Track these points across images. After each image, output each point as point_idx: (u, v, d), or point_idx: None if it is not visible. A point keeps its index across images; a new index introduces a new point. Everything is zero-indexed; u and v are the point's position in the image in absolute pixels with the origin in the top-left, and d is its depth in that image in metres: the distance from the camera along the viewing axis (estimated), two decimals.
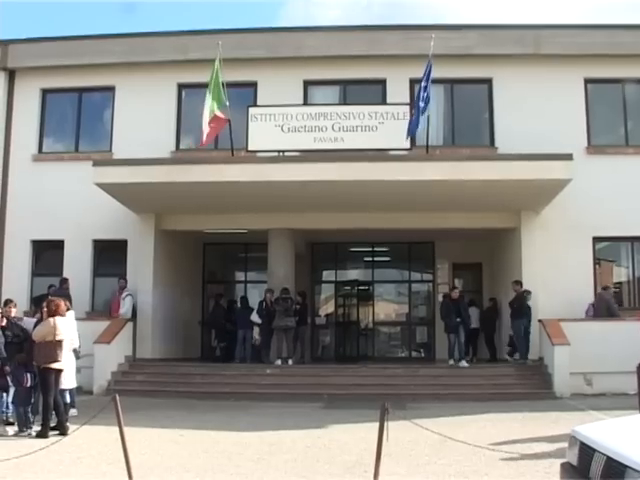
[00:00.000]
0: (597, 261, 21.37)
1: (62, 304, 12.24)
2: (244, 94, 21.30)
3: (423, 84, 18.06)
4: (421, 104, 17.95)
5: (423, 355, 24.58)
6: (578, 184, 18.09)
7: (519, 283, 19.20)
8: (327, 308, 25.84)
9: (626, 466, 5.44)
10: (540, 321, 18.73)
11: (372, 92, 21.67)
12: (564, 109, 20.96)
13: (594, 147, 20.96)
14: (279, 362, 19.39)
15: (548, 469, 7.11)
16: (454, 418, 13.63)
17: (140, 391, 17.00)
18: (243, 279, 25.64)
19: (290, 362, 19.43)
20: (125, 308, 19.82)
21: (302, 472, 9.15)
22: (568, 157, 17.20)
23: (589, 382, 17.71)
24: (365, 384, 17.59)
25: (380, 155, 18.33)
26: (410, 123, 18.32)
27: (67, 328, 12.18)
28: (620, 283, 22.09)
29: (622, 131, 21.64)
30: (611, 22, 21.55)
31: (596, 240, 20.86)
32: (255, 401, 16.33)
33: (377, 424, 7.70)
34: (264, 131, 18.85)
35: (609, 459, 5.72)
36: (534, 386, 17.60)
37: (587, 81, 21.38)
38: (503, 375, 18.57)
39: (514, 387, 17.55)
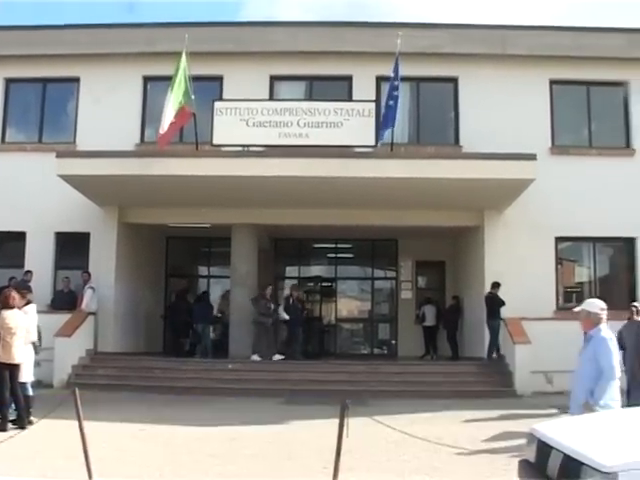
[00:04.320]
0: (559, 261, 21.59)
1: (13, 296, 11.91)
2: (210, 88, 21.16)
3: (395, 83, 18.17)
4: (392, 102, 18.11)
5: (385, 352, 24.68)
6: (542, 184, 18.27)
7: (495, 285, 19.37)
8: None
9: (582, 463, 5.53)
10: (502, 320, 18.88)
11: (338, 88, 21.68)
12: (529, 109, 21.14)
13: (558, 148, 21.19)
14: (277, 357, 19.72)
15: (506, 466, 7.22)
16: (415, 415, 13.67)
17: (101, 385, 16.90)
18: (206, 274, 25.58)
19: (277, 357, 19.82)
20: (86, 301, 19.68)
21: (262, 467, 9.19)
22: (532, 157, 17.34)
23: (550, 380, 17.85)
24: (327, 380, 17.60)
25: (345, 152, 18.33)
26: (384, 121, 18.44)
27: (22, 321, 11.91)
28: (582, 283, 22.35)
29: (586, 132, 21.88)
30: (577, 24, 21.59)
31: (558, 240, 21.12)
32: (217, 396, 16.26)
33: (338, 420, 7.74)
34: (229, 125, 18.73)
35: (566, 457, 5.81)
36: (495, 384, 17.75)
37: (552, 82, 21.60)
38: (464, 373, 18.73)
39: (475, 385, 17.73)
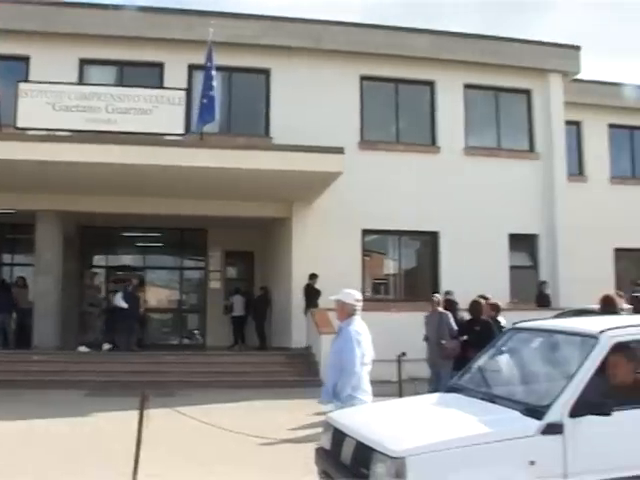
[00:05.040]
0: (367, 253, 22.21)
1: None
2: (16, 68, 20.38)
3: (212, 73, 18.15)
4: (212, 93, 18.10)
5: (194, 342, 24.60)
6: (350, 178, 18.72)
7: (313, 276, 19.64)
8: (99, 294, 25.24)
9: (373, 450, 5.78)
10: (310, 310, 19.21)
11: (150, 75, 21.26)
12: (340, 104, 21.55)
13: (367, 142, 21.76)
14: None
15: (309, 454, 7.39)
16: (221, 405, 13.80)
17: None
18: (10, 261, 24.61)
19: None
20: None
21: (61, 462, 9.01)
22: (340, 151, 17.69)
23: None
24: (134, 371, 17.30)
25: (153, 139, 18.11)
26: (203, 112, 18.38)
27: None
28: (389, 275, 23.09)
29: (394, 128, 22.59)
30: (390, 24, 22.24)
31: (365, 232, 21.67)
32: (20, 389, 15.69)
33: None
34: (35, 108, 18.12)
35: (359, 443, 6.05)
36: (302, 374, 18.02)
37: (363, 78, 22.14)
38: (272, 363, 18.95)
39: (283, 374, 17.96)
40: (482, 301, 14.10)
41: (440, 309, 14.65)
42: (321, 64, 21.61)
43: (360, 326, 7.58)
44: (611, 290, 14.51)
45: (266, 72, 21.76)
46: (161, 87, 20.22)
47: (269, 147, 19.48)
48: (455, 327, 14.13)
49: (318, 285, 19.27)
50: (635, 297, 13.04)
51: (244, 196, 19.56)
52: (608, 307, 11.31)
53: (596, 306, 12.09)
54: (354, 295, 7.73)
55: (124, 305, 20.31)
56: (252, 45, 21.05)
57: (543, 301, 21.40)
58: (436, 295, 15.53)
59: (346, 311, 7.64)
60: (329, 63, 21.63)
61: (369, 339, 7.62)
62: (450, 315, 14.43)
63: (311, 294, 19.41)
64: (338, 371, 7.40)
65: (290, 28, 21.52)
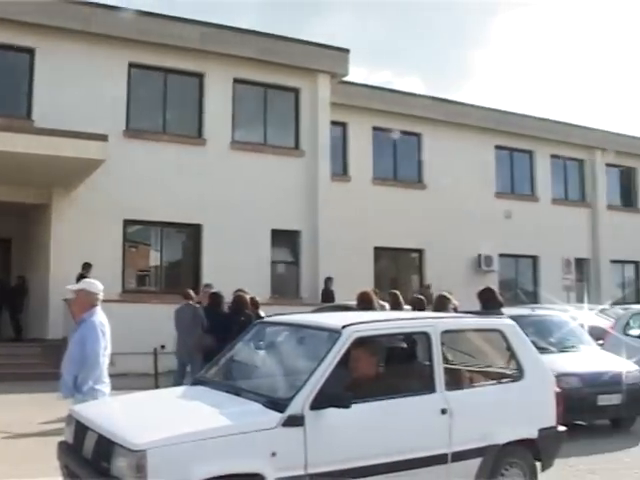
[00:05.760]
0: (132, 244, 21.93)
1: None
2: None
3: None
4: None
5: None
6: (114, 166, 18.58)
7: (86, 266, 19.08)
8: None
9: (114, 443, 5.78)
10: (66, 300, 18.71)
11: None
12: (107, 90, 20.86)
13: (132, 131, 21.34)
14: None
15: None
16: None
17: None
18: None
19: None
20: None
21: None
22: (103, 138, 17.42)
23: (113, 363, 17.94)
24: None
25: None
26: None
27: None
28: (152, 267, 22.89)
29: (161, 119, 22.37)
30: (164, 12, 21.85)
31: (128, 223, 21.26)
32: None
33: None
34: None
35: (100, 437, 6.03)
36: (59, 366, 17.48)
37: (131, 65, 21.65)
38: (28, 355, 18.44)
39: (38, 367, 17.28)
40: (245, 295, 14.36)
41: (192, 302, 14.84)
42: (90, 48, 20.80)
43: (103, 317, 7.51)
44: (369, 287, 15.10)
45: (30, 51, 20.61)
46: None
47: (27, 129, 18.56)
48: (206, 320, 14.32)
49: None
50: (417, 298, 13.77)
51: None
52: (365, 303, 11.80)
53: (354, 302, 12.63)
54: (98, 285, 7.63)
55: None
56: (15, 22, 19.83)
57: (328, 297, 22.02)
58: (209, 287, 15.73)
59: (89, 301, 7.53)
60: (97, 48, 20.87)
61: (109, 331, 7.53)
62: (201, 308, 14.64)
63: None
64: (78, 363, 7.29)
65: (58, 8, 20.55)
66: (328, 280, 22.77)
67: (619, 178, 35.77)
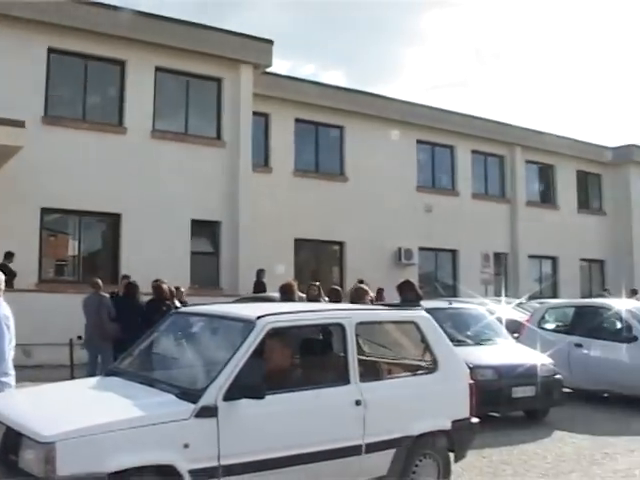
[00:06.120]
0: (51, 233, 21.59)
1: None
2: None
3: None
4: None
5: None
6: (31, 153, 18.24)
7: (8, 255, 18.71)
8: None
9: (22, 435, 5.72)
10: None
11: None
12: (25, 75, 20.39)
13: (50, 118, 20.91)
14: None
15: None
16: None
17: None
18: None
19: None
20: None
21: None
22: (20, 124, 17.12)
23: (29, 354, 17.67)
24: None
25: None
26: None
27: None
28: (70, 257, 22.54)
29: (81, 106, 22.00)
30: None
31: (45, 211, 20.84)
32: None
33: None
34: None
35: (8, 429, 5.95)
36: None
37: (51, 50, 21.20)
38: None
39: None
40: (165, 285, 14.36)
41: (102, 292, 14.81)
42: (7, 31, 20.29)
43: (7, 309, 7.26)
44: (290, 278, 15.20)
45: None
46: None
47: None
48: (114, 309, 14.31)
49: None
50: (334, 289, 14.10)
51: None
52: (287, 295, 11.91)
53: (276, 294, 12.72)
54: (0, 276, 7.43)
55: None
56: None
57: (259, 288, 21.98)
58: (127, 276, 15.66)
59: None
60: (16, 31, 20.36)
61: (13, 323, 7.31)
62: (108, 298, 14.61)
63: (6, 274, 18.45)
64: None
65: None
66: (260, 272, 22.80)
67: (538, 175, 36.61)
